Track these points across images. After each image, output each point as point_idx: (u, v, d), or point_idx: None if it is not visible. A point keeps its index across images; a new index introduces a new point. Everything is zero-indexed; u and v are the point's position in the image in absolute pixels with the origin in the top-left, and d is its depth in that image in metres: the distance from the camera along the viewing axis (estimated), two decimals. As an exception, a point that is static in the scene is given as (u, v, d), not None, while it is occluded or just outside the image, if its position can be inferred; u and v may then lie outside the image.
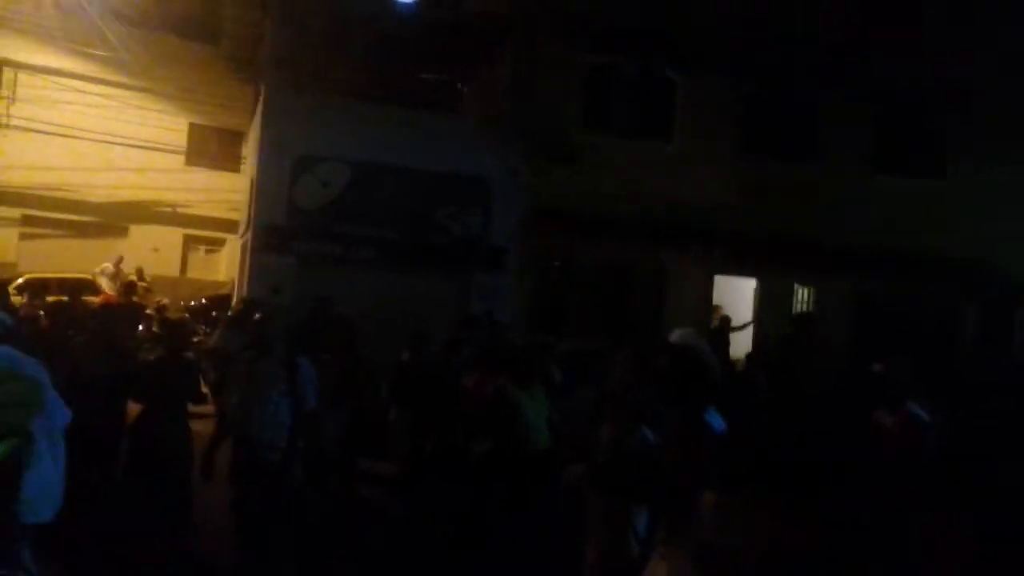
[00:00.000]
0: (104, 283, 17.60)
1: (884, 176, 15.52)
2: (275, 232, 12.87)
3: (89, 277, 17.33)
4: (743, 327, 14.22)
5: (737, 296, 15.65)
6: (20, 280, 16.40)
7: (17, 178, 19.49)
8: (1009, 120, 15.47)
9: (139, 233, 20.89)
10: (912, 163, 15.79)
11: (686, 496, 3.75)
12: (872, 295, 15.22)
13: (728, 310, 14.84)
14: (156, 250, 20.83)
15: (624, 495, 4.55)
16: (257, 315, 6.47)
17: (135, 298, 15.13)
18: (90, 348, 6.81)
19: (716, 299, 15.27)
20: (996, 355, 14.50)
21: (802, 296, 15.77)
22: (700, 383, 3.89)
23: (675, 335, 4.03)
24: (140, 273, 18.57)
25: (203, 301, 18.06)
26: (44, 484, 2.01)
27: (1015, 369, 13.07)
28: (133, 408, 6.42)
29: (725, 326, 13.93)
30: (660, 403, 4.11)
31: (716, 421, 3.81)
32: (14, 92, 19.64)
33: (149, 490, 5.90)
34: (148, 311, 14.38)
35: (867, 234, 14.86)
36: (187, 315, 15.68)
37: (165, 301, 15.87)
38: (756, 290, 15.55)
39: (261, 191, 13.22)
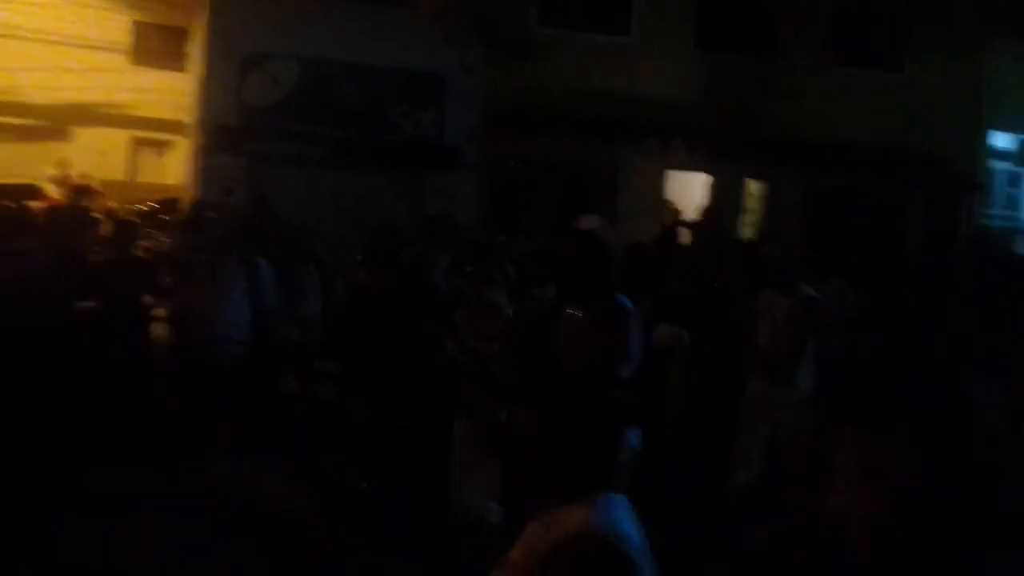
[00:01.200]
0: (51, 189, 17.19)
1: (841, 68, 15.55)
2: (225, 132, 12.63)
3: (33, 182, 16.90)
4: (694, 224, 14.37)
5: (690, 191, 15.79)
6: (-39, 186, 15.93)
7: (-48, 80, 18.72)
8: (965, 15, 15.54)
9: (84, 136, 20.26)
10: (870, 55, 15.82)
11: (602, 375, 3.81)
12: (822, 188, 15.45)
13: (680, 205, 14.97)
14: (102, 153, 20.27)
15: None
16: (211, 215, 6.44)
17: (85, 203, 14.81)
18: (40, 252, 6.74)
19: (669, 194, 15.40)
20: (939, 246, 14.88)
21: (753, 190, 15.97)
22: (605, 266, 3.95)
23: (582, 222, 4.12)
24: (85, 178, 18.12)
25: (153, 205, 17.74)
26: None
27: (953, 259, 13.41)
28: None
29: (676, 220, 14.09)
30: (566, 287, 4.16)
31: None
32: (-57, -11, 18.68)
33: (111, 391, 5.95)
34: (96, 215, 14.12)
35: (821, 128, 14.97)
36: (137, 218, 15.44)
37: (114, 205, 15.57)
38: (708, 185, 15.70)
39: (209, 90, 12.91)
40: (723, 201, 15.48)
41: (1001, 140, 17.66)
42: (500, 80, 13.73)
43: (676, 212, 14.24)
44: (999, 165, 18.54)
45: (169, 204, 16.87)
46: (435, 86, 13.64)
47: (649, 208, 14.48)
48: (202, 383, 5.70)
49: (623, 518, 1.99)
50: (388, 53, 13.20)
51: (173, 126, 20.31)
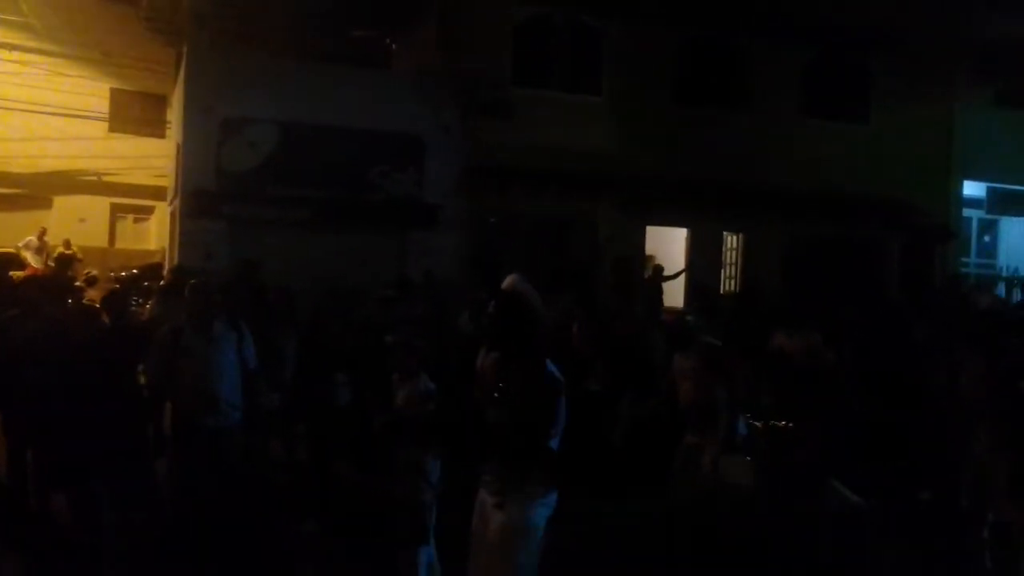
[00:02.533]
0: (29, 257, 17.13)
1: (812, 121, 15.87)
2: (204, 196, 12.65)
3: (13, 251, 16.83)
4: (675, 275, 14.48)
5: (670, 246, 15.93)
6: (-59, 256, 15.85)
7: (-67, 151, 18.74)
8: (929, 66, 15.96)
9: (64, 204, 20.28)
10: (838, 108, 16.18)
11: (528, 444, 3.75)
12: (800, 238, 15.63)
13: (662, 260, 15.09)
14: (83, 220, 20.25)
15: (414, 443, 4.82)
16: (192, 281, 6.41)
17: (70, 272, 14.77)
18: (23, 322, 6.66)
19: (649, 249, 15.52)
20: (919, 289, 15.00)
21: (732, 243, 16.14)
22: (528, 328, 3.84)
23: (506, 281, 3.98)
24: (67, 244, 18.09)
25: (133, 271, 17.68)
26: None
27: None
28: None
29: (658, 275, 14.18)
30: (492, 349, 4.02)
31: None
32: (-75, 62, 18.79)
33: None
34: (77, 283, 14.04)
35: (795, 179, 15.22)
36: (118, 286, 15.36)
37: (94, 272, 15.50)
38: (687, 238, 15.85)
39: (187, 155, 12.97)
40: (702, 255, 15.65)
41: (972, 188, 17.97)
42: (478, 139, 13.90)
43: (658, 268, 14.35)
44: (972, 213, 18.85)
45: (150, 270, 16.87)
46: (413, 146, 13.78)
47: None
48: (209, 449, 5.64)
49: None
50: (366, 115, 13.36)
51: (153, 192, 20.36)
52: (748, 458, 5.95)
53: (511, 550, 3.82)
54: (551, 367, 3.82)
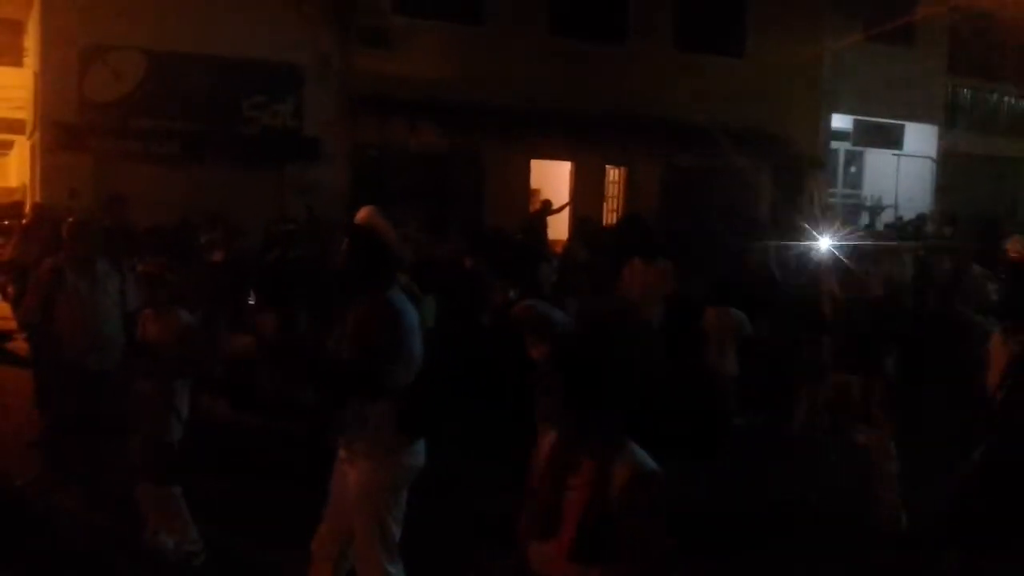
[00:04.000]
0: None
1: (688, 54, 16.12)
2: (65, 130, 12.03)
3: None
4: (560, 209, 14.66)
5: (554, 179, 16.07)
6: None
7: None
8: (800, 1, 16.43)
9: (-85, 138, 18.88)
10: (714, 42, 16.46)
11: (366, 380, 3.57)
12: (678, 169, 16.02)
13: (546, 194, 15.23)
14: (-65, 156, 18.94)
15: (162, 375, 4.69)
16: (71, 219, 6.17)
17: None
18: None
19: (534, 183, 15.63)
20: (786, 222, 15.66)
21: (614, 176, 16.42)
22: (381, 264, 3.73)
23: (359, 214, 3.86)
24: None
25: (-7, 209, 16.69)
26: None
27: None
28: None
29: (546, 209, 14.30)
30: (343, 285, 3.92)
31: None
32: None
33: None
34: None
35: (673, 112, 15.48)
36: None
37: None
38: (571, 172, 16.02)
39: (46, 86, 12.28)
40: (585, 188, 15.86)
41: (840, 121, 18.74)
42: (358, 69, 13.58)
43: (546, 202, 14.45)
44: (839, 145, 19.70)
45: (11, 208, 15.95)
46: (291, 75, 13.38)
47: (513, 197, 14.67)
48: (90, 389, 5.54)
49: None
50: (240, 42, 12.82)
51: (10, 125, 19.12)
52: None
53: (362, 512, 3.63)
54: (395, 298, 3.69)
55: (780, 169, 17.06)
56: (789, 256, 8.45)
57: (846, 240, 6.41)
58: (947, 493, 4.34)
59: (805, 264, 7.56)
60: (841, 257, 6.11)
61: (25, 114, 17.43)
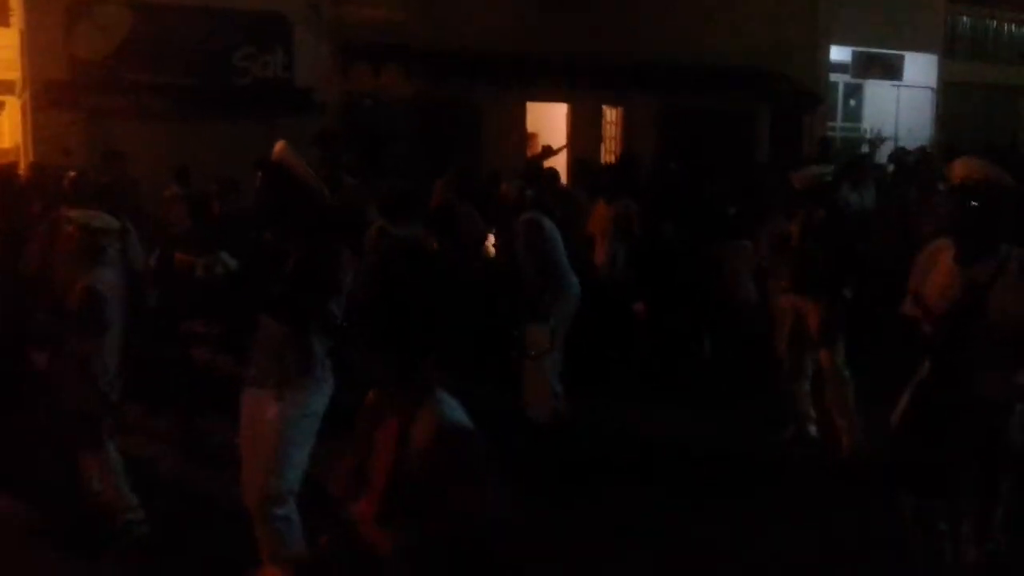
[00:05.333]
0: None
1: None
2: (55, 87, 11.91)
3: None
4: (558, 151, 14.54)
5: (550, 122, 15.92)
6: None
7: None
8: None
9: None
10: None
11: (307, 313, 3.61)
12: (675, 110, 15.84)
13: (542, 136, 15.10)
14: (-75, 119, 18.75)
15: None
16: (71, 174, 6.16)
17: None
18: None
19: (530, 127, 15.49)
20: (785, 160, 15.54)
21: (611, 116, 16.25)
22: (298, 200, 3.68)
23: (274, 150, 3.78)
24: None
25: (-11, 170, 16.59)
26: None
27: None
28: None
29: (545, 153, 14.18)
30: (260, 223, 3.93)
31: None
32: None
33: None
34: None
35: (669, 51, 15.27)
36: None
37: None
38: (567, 114, 15.87)
39: (33, 44, 12.16)
40: (582, 130, 15.72)
41: (838, 53, 18.47)
42: (349, 17, 13.38)
43: (547, 148, 14.31)
44: (838, 78, 19.45)
45: (6, 169, 15.84)
46: (280, 25, 13.18)
47: (510, 142, 14.55)
48: None
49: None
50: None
51: (3, 85, 18.92)
52: None
53: (263, 444, 3.67)
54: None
55: (779, 105, 16.87)
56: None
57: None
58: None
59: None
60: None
61: (15, 74, 17.24)
